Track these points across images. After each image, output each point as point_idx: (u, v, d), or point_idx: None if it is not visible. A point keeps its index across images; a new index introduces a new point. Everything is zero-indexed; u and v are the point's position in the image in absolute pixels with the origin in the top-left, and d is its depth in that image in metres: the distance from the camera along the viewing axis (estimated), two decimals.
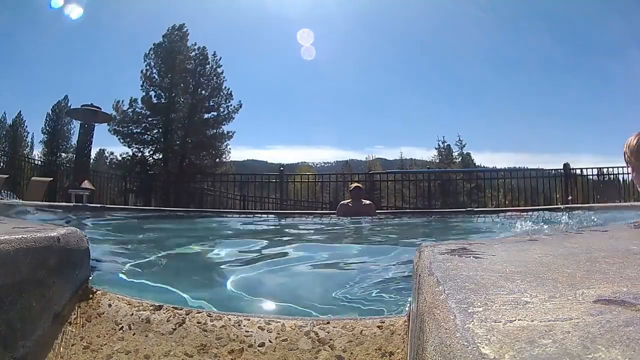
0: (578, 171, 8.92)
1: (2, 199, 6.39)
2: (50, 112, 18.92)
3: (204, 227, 4.41)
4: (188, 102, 14.96)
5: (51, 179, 8.12)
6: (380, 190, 10.28)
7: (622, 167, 7.44)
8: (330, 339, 0.75)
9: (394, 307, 0.96)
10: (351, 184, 6.50)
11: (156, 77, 14.95)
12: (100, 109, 9.19)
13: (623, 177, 8.15)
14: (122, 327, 0.79)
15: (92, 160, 11.82)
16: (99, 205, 6.93)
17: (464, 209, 7.16)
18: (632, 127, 1.73)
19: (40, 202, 6.13)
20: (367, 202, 5.11)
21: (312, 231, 3.79)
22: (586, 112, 32.84)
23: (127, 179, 13.23)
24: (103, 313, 0.82)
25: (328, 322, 0.78)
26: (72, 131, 18.01)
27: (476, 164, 19.62)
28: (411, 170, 15.20)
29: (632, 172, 1.69)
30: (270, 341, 0.75)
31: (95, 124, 9.30)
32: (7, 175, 7.96)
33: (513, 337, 0.32)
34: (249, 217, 5.93)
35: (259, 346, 0.75)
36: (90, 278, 0.92)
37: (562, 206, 5.39)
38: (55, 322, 0.79)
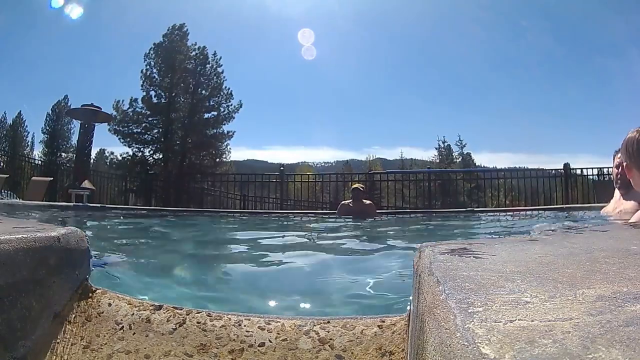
0: (578, 171, 8.92)
1: (2, 198, 6.40)
2: (50, 112, 18.93)
3: (205, 226, 4.41)
4: (188, 101, 14.98)
5: (51, 178, 8.13)
6: (380, 190, 10.27)
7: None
8: (331, 339, 0.75)
9: (394, 307, 0.96)
10: (352, 184, 6.51)
11: (156, 76, 14.96)
12: (100, 108, 9.19)
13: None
14: (123, 326, 0.79)
15: (92, 160, 11.83)
16: (99, 205, 6.93)
17: (464, 209, 7.17)
18: (632, 127, 1.69)
19: (40, 202, 6.14)
20: (368, 202, 5.12)
21: (312, 231, 3.79)
22: (586, 112, 32.84)
23: (127, 179, 13.24)
24: (103, 312, 0.82)
25: (328, 322, 0.78)
26: (72, 131, 18.04)
27: (476, 164, 19.62)
28: (411, 170, 15.21)
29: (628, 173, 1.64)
30: (270, 341, 0.75)
31: (95, 124, 9.31)
32: (7, 175, 7.97)
33: (513, 337, 0.32)
34: (250, 217, 5.94)
35: (259, 346, 0.75)
36: (89, 277, 0.92)
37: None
38: (55, 322, 0.79)
